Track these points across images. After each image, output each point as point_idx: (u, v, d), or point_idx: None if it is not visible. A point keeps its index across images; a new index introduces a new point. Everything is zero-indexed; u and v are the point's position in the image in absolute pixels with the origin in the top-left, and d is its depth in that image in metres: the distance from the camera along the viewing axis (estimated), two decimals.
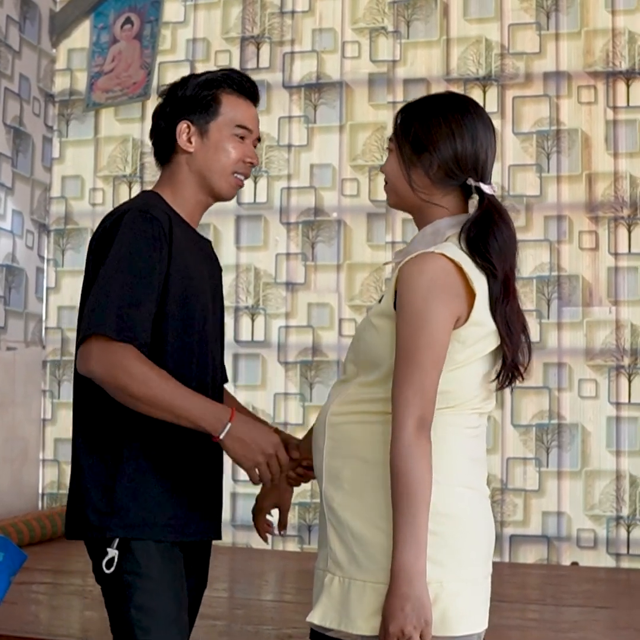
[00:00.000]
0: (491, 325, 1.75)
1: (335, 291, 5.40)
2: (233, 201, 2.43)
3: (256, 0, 5.63)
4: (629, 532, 4.89)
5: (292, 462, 1.96)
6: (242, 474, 2.00)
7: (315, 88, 5.52)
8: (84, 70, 5.86)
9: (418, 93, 5.33)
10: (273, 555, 5.07)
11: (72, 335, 5.81)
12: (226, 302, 2.36)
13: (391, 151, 1.90)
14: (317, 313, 5.43)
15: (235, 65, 5.49)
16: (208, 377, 2.06)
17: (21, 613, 3.56)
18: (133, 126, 5.72)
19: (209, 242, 2.24)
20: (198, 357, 2.02)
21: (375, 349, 1.75)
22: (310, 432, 1.92)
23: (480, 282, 1.73)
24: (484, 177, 1.83)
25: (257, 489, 2.16)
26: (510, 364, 1.80)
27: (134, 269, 1.88)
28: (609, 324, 4.99)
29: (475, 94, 5.22)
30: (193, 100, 2.06)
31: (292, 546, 5.27)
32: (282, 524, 2.25)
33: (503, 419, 5.00)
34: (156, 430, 1.92)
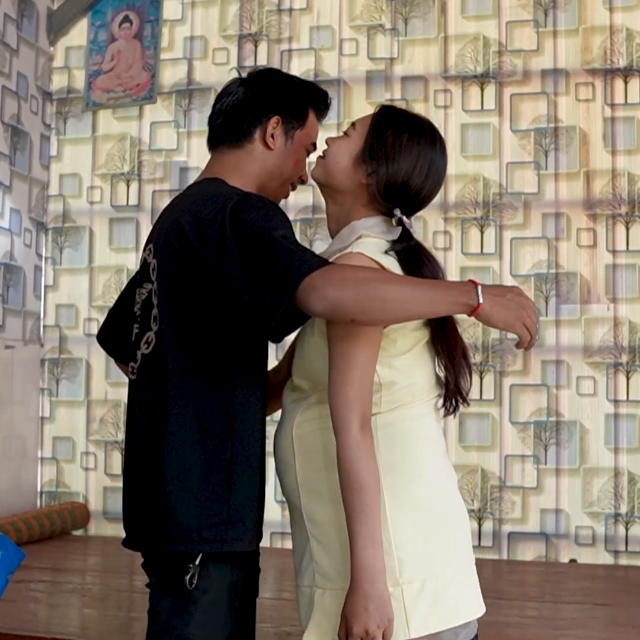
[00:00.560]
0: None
1: None
2: None
3: None
4: (627, 529, 4.89)
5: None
6: None
7: None
8: (82, 68, 5.84)
9: (416, 90, 5.36)
10: (271, 553, 5.04)
11: (71, 333, 5.83)
12: None
13: (349, 137, 1.91)
14: None
15: (233, 63, 5.48)
16: None
17: (20, 611, 3.56)
18: (131, 124, 5.70)
19: None
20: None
21: (326, 368, 1.73)
22: None
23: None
24: (416, 209, 1.87)
25: None
26: (452, 389, 1.81)
27: (282, 225, 1.80)
28: (607, 321, 4.99)
29: (473, 92, 5.23)
30: (292, 102, 2.08)
31: (290, 544, 5.25)
32: None
33: (501, 416, 5.00)
34: (253, 441, 1.90)
